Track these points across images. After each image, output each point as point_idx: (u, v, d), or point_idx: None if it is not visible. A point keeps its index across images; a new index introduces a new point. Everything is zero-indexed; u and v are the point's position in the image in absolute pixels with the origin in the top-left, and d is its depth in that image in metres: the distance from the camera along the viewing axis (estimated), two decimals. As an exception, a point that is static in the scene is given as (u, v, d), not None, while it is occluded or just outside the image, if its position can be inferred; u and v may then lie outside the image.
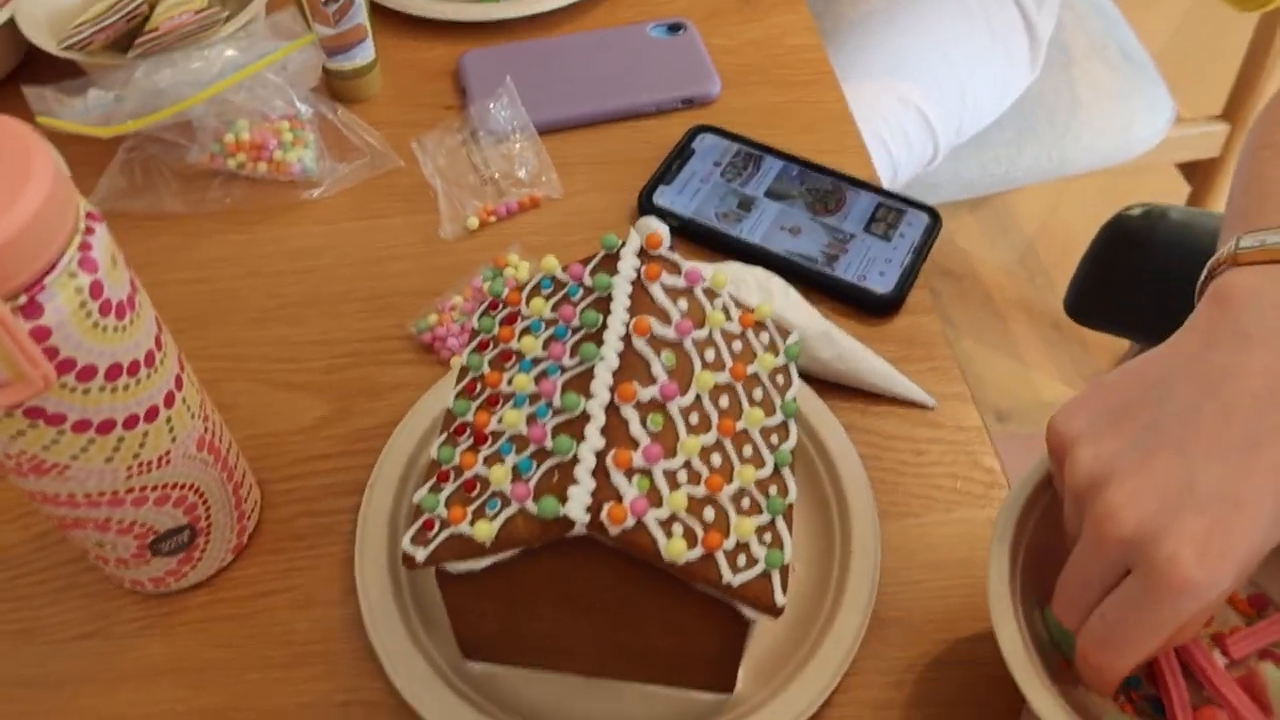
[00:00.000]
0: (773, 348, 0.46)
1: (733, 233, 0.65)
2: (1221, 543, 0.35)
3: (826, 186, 0.68)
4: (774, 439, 0.44)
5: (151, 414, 0.44)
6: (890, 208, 0.67)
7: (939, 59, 1.02)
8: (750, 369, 0.44)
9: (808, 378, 0.60)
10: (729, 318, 0.45)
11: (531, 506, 0.38)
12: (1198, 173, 1.43)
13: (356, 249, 0.67)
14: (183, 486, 0.48)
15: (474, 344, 0.46)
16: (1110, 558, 0.37)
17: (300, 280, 0.66)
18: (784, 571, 0.41)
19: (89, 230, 0.39)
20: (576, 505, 0.37)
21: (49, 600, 0.53)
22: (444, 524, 0.40)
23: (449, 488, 0.41)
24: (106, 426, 0.42)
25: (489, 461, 0.41)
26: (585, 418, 0.39)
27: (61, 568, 0.54)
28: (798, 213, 0.67)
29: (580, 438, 0.38)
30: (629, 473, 0.38)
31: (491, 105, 0.71)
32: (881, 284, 0.63)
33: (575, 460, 0.38)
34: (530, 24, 0.81)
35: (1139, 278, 0.76)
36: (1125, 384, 0.40)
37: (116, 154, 0.70)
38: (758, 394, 0.44)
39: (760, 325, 0.46)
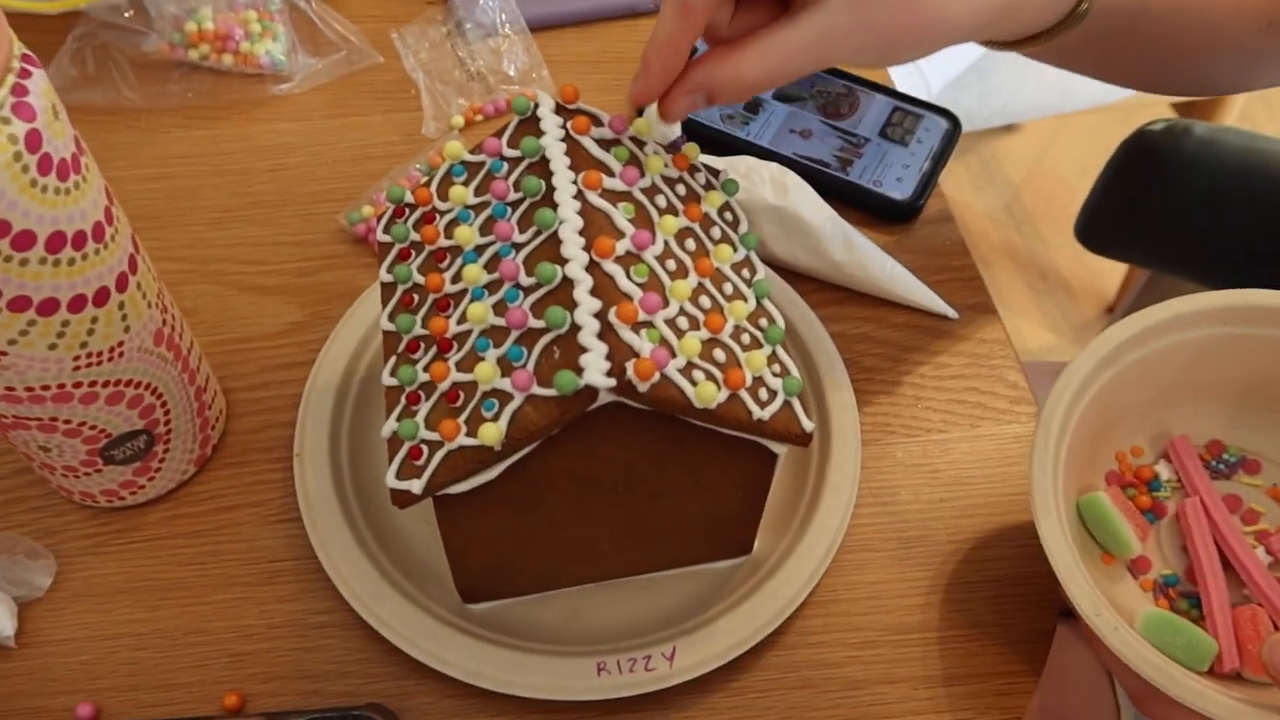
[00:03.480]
0: (709, 185, 0.44)
1: (739, 135, 0.61)
2: None
3: (839, 90, 0.64)
4: (745, 273, 0.42)
5: (101, 297, 0.39)
6: (907, 112, 0.63)
7: None
8: (702, 209, 0.42)
9: (819, 280, 0.55)
10: (664, 163, 0.42)
11: (541, 390, 0.34)
12: (1194, 113, 1.40)
13: (332, 148, 0.62)
14: (138, 385, 0.43)
15: (392, 256, 0.42)
16: None
17: (270, 179, 0.60)
18: (802, 397, 0.39)
19: (24, 73, 0.34)
20: (595, 372, 0.33)
21: (-9, 515, 0.48)
22: (435, 445, 0.36)
23: (425, 407, 0.37)
24: (48, 307, 0.37)
25: (466, 364, 0.37)
26: (570, 282, 0.35)
27: (4, 480, 0.49)
28: (808, 116, 0.62)
29: (573, 304, 0.35)
30: (635, 327, 0.35)
31: (478, -3, 0.65)
32: (899, 190, 0.59)
33: (576, 328, 0.34)
34: (518, -83, 0.75)
35: (1159, 198, 0.72)
36: None
37: (66, 41, 0.64)
38: (715, 232, 0.42)
39: (693, 167, 0.44)
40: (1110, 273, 1.57)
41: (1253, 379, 0.47)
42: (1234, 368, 0.46)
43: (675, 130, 0.58)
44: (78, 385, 0.40)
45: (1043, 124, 1.79)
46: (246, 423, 0.51)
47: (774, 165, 0.55)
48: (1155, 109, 1.47)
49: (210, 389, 0.48)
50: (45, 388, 0.40)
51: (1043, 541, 0.39)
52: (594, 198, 0.38)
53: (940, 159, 0.60)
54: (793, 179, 0.55)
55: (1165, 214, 0.68)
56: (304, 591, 0.46)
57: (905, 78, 0.96)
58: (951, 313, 0.55)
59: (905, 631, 0.45)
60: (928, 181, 0.59)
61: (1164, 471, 0.47)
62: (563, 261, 0.36)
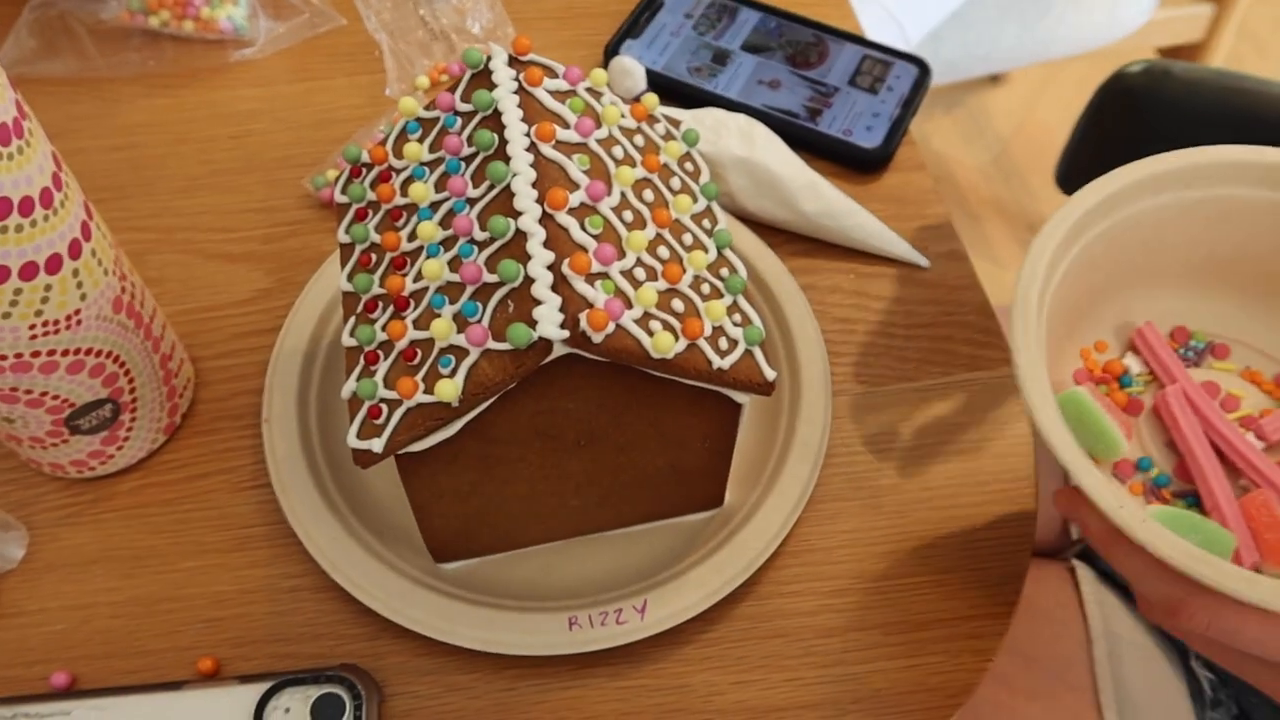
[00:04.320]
0: (669, 136, 0.43)
1: (707, 87, 0.60)
2: None
3: (807, 39, 0.63)
4: (706, 223, 0.41)
5: (53, 264, 0.38)
6: (876, 59, 0.62)
7: None
8: (660, 159, 0.41)
9: (790, 232, 0.55)
10: (621, 114, 0.41)
11: (496, 345, 0.34)
12: (1180, 58, 1.39)
13: (296, 112, 0.61)
14: (99, 353, 0.42)
15: (349, 217, 0.42)
16: None
17: (234, 146, 0.60)
18: (762, 347, 0.39)
19: (-41, 37, 0.33)
20: (549, 324, 0.33)
21: (-39, 489, 0.48)
22: (394, 404, 0.36)
23: (383, 366, 0.37)
24: (-1, 275, 0.37)
25: (422, 322, 0.36)
26: (523, 235, 0.35)
27: (-26, 454, 0.49)
28: (776, 66, 0.61)
29: (526, 257, 0.34)
30: (589, 278, 0.35)
31: (440, -45, 0.64)
32: (869, 139, 0.58)
33: (529, 280, 0.34)
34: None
35: (1139, 142, 0.71)
36: None
37: (22, 13, 0.63)
38: (675, 183, 0.41)
39: (652, 118, 0.43)
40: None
41: (1214, 255, 0.44)
42: (1196, 243, 0.43)
43: (640, 83, 0.58)
44: (35, 354, 0.40)
45: (1031, 76, 1.77)
46: (215, 390, 0.51)
47: (741, 117, 0.55)
48: (1141, 56, 1.45)
49: (176, 357, 0.48)
50: (2, 358, 0.40)
51: (1043, 435, 0.35)
52: (547, 150, 0.38)
53: (910, 106, 0.60)
54: (760, 130, 0.55)
55: (1146, 157, 0.67)
56: (276, 556, 0.46)
57: (881, 29, 0.95)
58: (923, 261, 0.55)
59: (877, 579, 0.45)
60: (898, 128, 0.58)
61: (1133, 365, 0.45)
62: (515, 215, 0.36)
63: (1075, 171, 0.77)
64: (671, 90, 0.60)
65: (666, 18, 0.63)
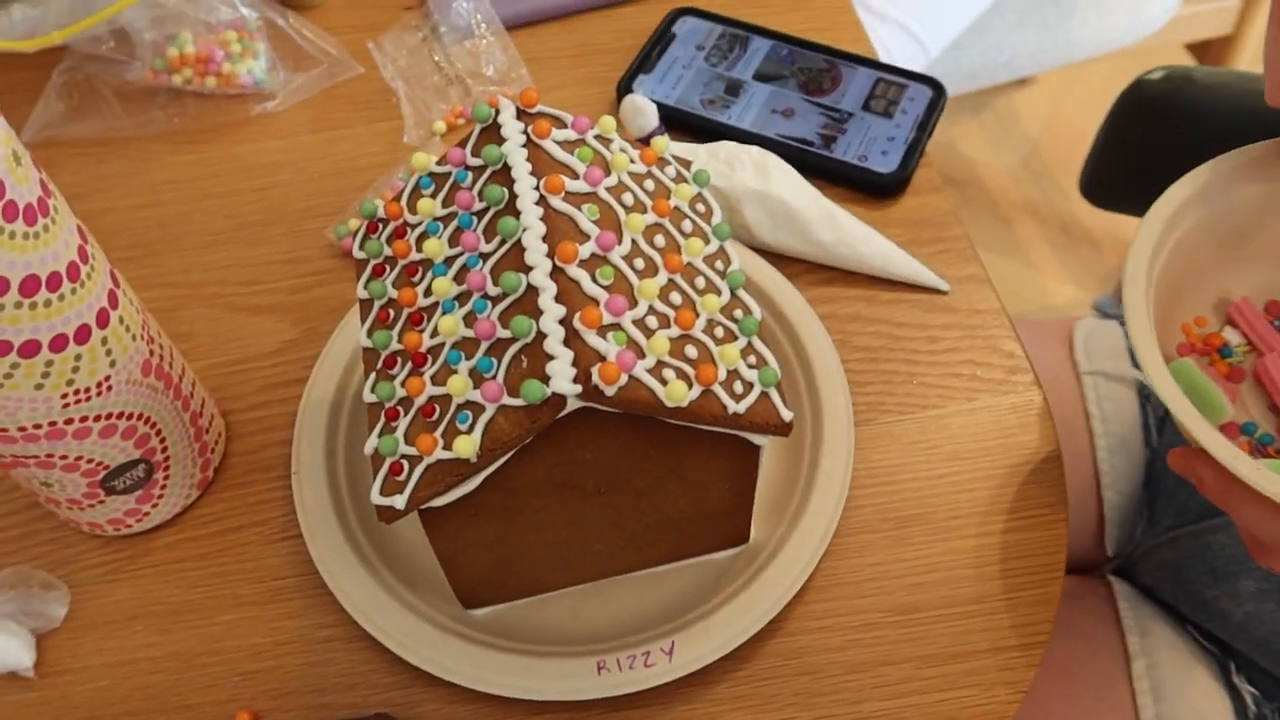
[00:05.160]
0: (680, 178, 0.44)
1: (720, 119, 0.60)
2: None
3: (820, 65, 0.63)
4: (719, 265, 0.41)
5: (82, 334, 0.40)
6: (890, 83, 0.62)
7: None
8: (671, 203, 0.42)
9: (808, 262, 0.55)
10: (631, 159, 0.42)
11: (510, 400, 0.34)
12: (1209, 53, 1.37)
13: (317, 162, 0.62)
14: (130, 416, 0.44)
15: (367, 273, 0.42)
16: None
17: (258, 199, 0.61)
18: (779, 388, 0.39)
19: (-18, 124, 0.35)
20: (562, 379, 0.33)
21: (6, 550, 0.49)
22: (414, 460, 0.36)
23: (403, 423, 0.37)
24: (30, 349, 0.38)
25: (439, 378, 0.37)
26: (534, 291, 0.35)
27: (16, 515, 0.50)
28: (790, 94, 0.61)
29: (538, 312, 0.35)
30: (601, 330, 0.35)
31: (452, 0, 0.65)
32: (884, 164, 0.58)
33: (541, 335, 0.34)
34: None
35: (1162, 149, 0.71)
36: None
37: (51, 77, 0.64)
38: (686, 226, 0.42)
39: (662, 160, 0.44)
40: (1134, 221, 1.54)
41: None
42: None
43: (653, 121, 0.58)
44: (69, 422, 0.41)
45: (1057, 76, 1.76)
46: (246, 443, 0.52)
47: (755, 149, 0.55)
48: (1169, 53, 1.43)
49: (207, 413, 0.49)
50: (37, 426, 0.41)
51: (1161, 396, 0.38)
52: (557, 202, 0.38)
53: (925, 128, 0.59)
54: (774, 161, 0.55)
55: (1170, 165, 0.66)
56: (309, 607, 0.46)
57: (902, 47, 0.95)
58: (943, 285, 0.54)
59: (906, 611, 0.45)
60: (914, 152, 0.58)
61: (1232, 337, 0.47)
62: (526, 269, 0.36)
63: (1099, 181, 0.76)
64: (685, 123, 0.60)
65: (679, 50, 0.64)
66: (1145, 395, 0.63)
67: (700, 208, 0.43)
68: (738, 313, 0.40)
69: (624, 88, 0.62)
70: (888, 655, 0.44)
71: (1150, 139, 0.71)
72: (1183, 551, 0.59)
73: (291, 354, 0.54)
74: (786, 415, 0.38)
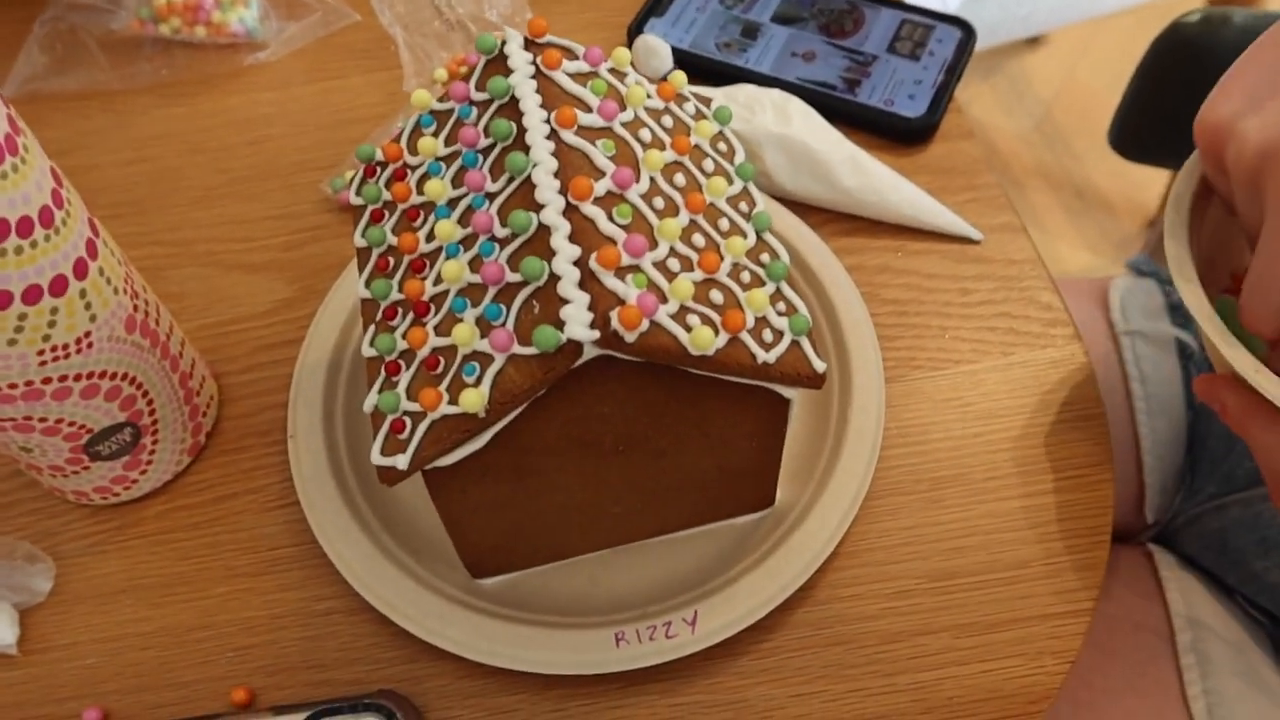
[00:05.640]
0: (700, 115, 0.40)
1: (737, 63, 0.57)
2: None
3: (841, 6, 0.60)
4: (743, 206, 0.38)
5: (58, 285, 0.37)
6: (916, 24, 0.58)
7: None
8: (691, 140, 0.38)
9: (832, 211, 0.52)
10: (647, 94, 0.39)
11: (522, 349, 0.31)
12: (1236, 2, 1.33)
13: (312, 114, 0.59)
14: (114, 376, 0.41)
15: (365, 219, 0.40)
16: None
17: (251, 153, 0.58)
18: (813, 335, 0.36)
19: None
20: (577, 324, 0.30)
21: (-13, 521, 0.46)
22: (418, 417, 0.34)
23: (405, 377, 0.34)
24: (1, 300, 0.35)
25: (443, 328, 0.34)
26: (546, 230, 0.32)
27: (-1, 484, 0.47)
28: (810, 36, 0.58)
29: (550, 253, 0.32)
30: (619, 272, 0.32)
31: (453, -58, 0.62)
32: (912, 108, 0.55)
33: (554, 278, 0.31)
34: None
35: (1199, 95, 0.67)
36: (1272, 48, 0.36)
37: (33, 29, 0.61)
38: (708, 165, 0.38)
39: (680, 97, 0.40)
40: (1150, 184, 1.50)
41: None
42: None
43: (667, 62, 0.55)
44: (47, 381, 0.39)
45: (1071, 36, 1.72)
46: (241, 406, 0.49)
47: (775, 92, 0.52)
48: (1195, 3, 1.40)
49: (197, 375, 0.46)
50: (13, 386, 0.38)
51: (1189, 308, 0.36)
52: (569, 136, 0.35)
53: (955, 71, 0.56)
54: (796, 105, 0.52)
55: None
56: (307, 578, 0.44)
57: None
58: (976, 234, 0.51)
59: (943, 578, 0.42)
60: (942, 96, 0.55)
61: None
62: (537, 208, 0.33)
63: (1130, 132, 0.73)
64: (700, 68, 0.57)
65: (691, -7, 0.61)
66: (1187, 355, 0.60)
67: (722, 146, 0.40)
68: (764, 256, 0.37)
69: (635, 33, 0.59)
70: (924, 624, 0.41)
71: (1186, 84, 0.68)
72: (1230, 520, 0.56)
73: (287, 313, 0.51)
74: (819, 366, 0.35)
